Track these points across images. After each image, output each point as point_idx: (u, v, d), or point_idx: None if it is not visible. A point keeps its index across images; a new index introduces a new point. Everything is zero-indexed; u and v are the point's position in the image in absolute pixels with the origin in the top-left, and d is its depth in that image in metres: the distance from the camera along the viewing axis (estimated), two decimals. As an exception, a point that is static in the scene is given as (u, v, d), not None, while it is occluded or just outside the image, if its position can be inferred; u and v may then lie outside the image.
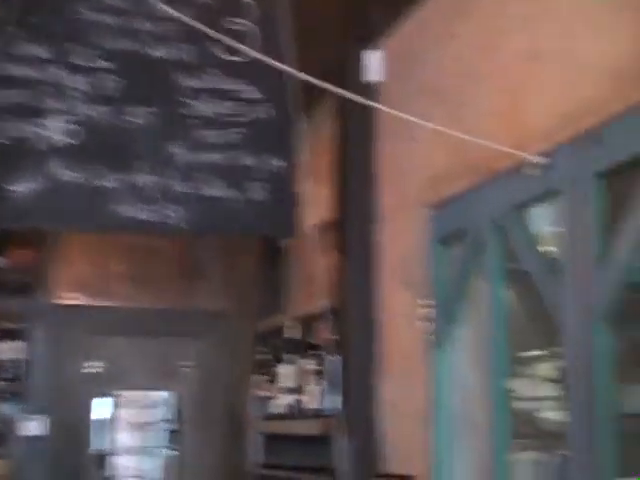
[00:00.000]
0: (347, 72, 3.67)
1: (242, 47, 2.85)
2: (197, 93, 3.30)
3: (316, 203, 3.99)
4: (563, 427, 2.35)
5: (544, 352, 2.97)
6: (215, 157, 3.25)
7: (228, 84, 3.37)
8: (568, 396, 2.31)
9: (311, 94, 3.69)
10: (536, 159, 2.48)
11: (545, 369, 2.97)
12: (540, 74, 2.58)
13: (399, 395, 3.34)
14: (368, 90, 3.55)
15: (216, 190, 3.22)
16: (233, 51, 3.24)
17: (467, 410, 3.00)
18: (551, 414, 2.88)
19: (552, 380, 2.91)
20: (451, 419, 2.99)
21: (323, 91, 3.27)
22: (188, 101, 3.28)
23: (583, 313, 2.27)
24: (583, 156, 2.33)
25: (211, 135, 3.28)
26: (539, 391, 3.00)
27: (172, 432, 6.30)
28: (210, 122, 3.28)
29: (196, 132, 3.25)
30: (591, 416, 2.19)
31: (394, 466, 3.31)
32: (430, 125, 2.67)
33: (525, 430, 2.88)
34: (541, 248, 2.60)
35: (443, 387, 3.00)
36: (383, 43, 3.68)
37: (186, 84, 3.30)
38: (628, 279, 2.21)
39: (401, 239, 3.43)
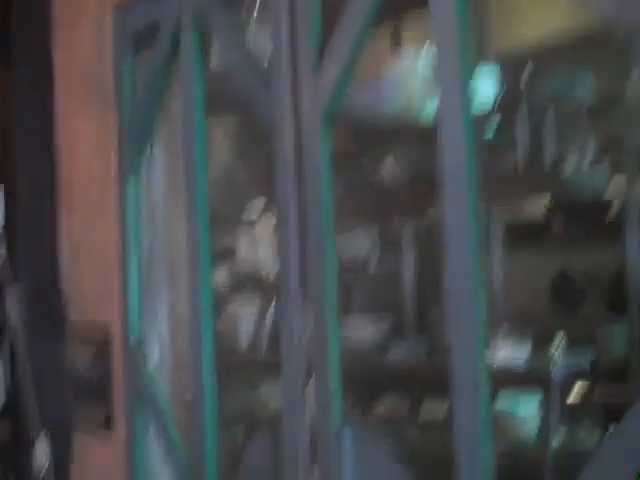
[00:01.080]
0: None
1: None
2: None
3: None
4: (280, 277, 2.00)
5: (265, 206, 2.70)
6: None
7: None
8: (283, 245, 1.95)
9: None
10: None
11: (265, 224, 2.72)
12: None
13: (85, 233, 2.85)
14: None
15: None
16: None
17: (165, 250, 2.61)
18: (271, 266, 2.66)
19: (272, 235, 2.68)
20: (146, 259, 2.59)
21: None
22: None
23: (299, 128, 1.85)
24: None
25: None
26: (260, 246, 2.77)
27: None
28: None
29: None
30: (306, 264, 1.86)
31: (82, 313, 2.88)
32: None
33: (247, 284, 2.66)
34: (253, 52, 2.13)
35: (135, 224, 2.56)
36: None
37: None
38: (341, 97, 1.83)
39: (82, 46, 2.81)
